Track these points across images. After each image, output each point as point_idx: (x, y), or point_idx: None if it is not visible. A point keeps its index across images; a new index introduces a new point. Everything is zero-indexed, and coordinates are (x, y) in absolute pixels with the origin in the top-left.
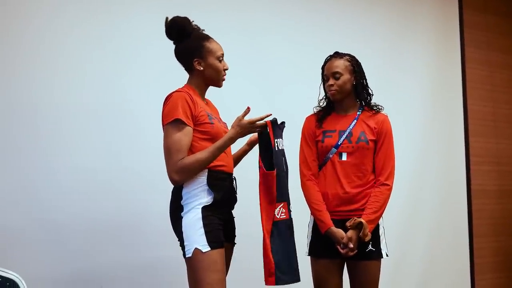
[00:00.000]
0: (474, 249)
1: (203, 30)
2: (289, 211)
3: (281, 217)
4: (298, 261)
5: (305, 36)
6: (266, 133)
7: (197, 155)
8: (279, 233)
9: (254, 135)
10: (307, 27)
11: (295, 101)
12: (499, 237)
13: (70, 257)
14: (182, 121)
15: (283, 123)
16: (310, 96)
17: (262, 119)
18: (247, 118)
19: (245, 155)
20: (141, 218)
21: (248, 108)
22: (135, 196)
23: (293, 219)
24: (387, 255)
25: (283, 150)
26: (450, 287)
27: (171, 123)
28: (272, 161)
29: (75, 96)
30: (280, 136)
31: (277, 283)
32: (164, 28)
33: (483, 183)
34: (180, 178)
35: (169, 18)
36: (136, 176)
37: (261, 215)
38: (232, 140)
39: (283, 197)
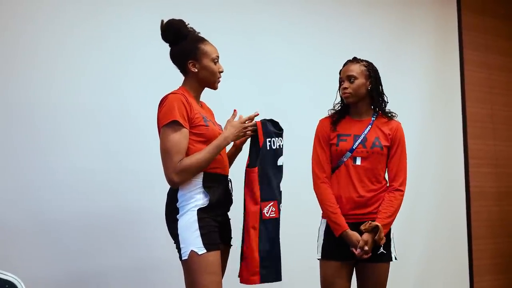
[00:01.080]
0: (472, 251)
1: (199, 32)
2: (279, 210)
3: (270, 215)
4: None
5: (304, 37)
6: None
7: (196, 155)
8: (267, 232)
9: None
10: (306, 29)
11: (294, 102)
12: (497, 239)
13: (68, 258)
14: (179, 123)
15: (277, 123)
16: (310, 97)
17: (250, 118)
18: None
19: (235, 158)
20: (139, 219)
21: (235, 110)
22: (133, 197)
23: (279, 218)
24: (396, 258)
25: (277, 149)
26: None
27: (168, 125)
28: (257, 160)
29: (73, 97)
30: (273, 135)
31: (262, 281)
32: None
33: (482, 185)
34: (180, 179)
35: (165, 21)
36: (134, 176)
37: (245, 211)
38: (227, 139)
39: (274, 196)
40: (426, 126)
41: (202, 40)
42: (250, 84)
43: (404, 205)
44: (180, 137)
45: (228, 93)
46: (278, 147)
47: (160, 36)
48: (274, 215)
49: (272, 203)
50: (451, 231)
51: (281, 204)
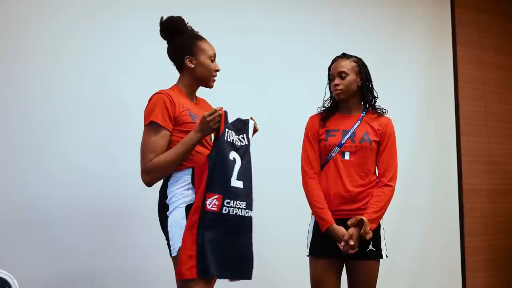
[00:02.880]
0: (465, 248)
1: (198, 32)
2: (223, 205)
3: (211, 208)
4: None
5: (299, 36)
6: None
7: (165, 154)
8: (207, 223)
9: None
10: (302, 28)
11: (291, 102)
12: (490, 235)
13: (63, 256)
14: (158, 124)
15: (248, 120)
16: (307, 97)
17: (215, 111)
18: None
19: None
20: (137, 218)
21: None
22: (130, 197)
23: (225, 214)
24: (386, 256)
25: (232, 143)
26: (442, 286)
27: (147, 125)
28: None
29: (71, 95)
30: (231, 128)
31: (199, 274)
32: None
33: (475, 182)
34: (150, 179)
35: (164, 17)
36: (132, 176)
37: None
38: (196, 133)
39: (222, 190)
40: (419, 124)
41: (200, 37)
42: (245, 84)
43: (397, 203)
44: (157, 138)
45: (224, 93)
46: (232, 141)
47: (159, 32)
48: (216, 209)
49: (216, 197)
50: (444, 228)
51: (227, 200)
